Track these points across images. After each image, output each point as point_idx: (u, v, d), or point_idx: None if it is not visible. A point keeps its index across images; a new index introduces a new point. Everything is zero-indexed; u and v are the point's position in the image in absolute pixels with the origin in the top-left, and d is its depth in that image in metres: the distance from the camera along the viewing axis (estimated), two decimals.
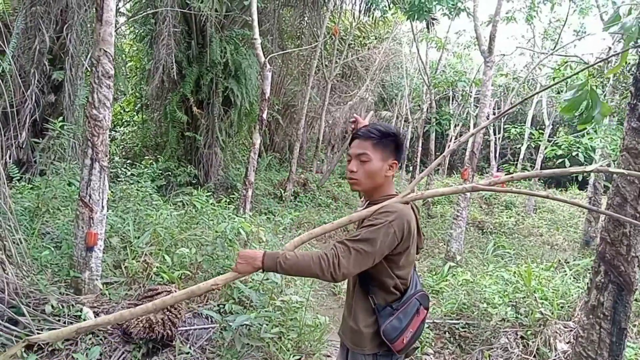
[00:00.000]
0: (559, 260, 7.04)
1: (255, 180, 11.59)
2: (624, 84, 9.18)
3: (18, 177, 6.15)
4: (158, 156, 10.47)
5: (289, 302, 3.85)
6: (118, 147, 11.55)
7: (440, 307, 5.00)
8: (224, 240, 4.47)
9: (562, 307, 4.65)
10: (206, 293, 3.47)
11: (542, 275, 5.05)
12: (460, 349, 4.37)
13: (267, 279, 3.60)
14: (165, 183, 9.69)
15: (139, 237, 4.81)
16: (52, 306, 3.52)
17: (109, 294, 3.93)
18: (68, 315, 3.59)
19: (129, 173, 8.72)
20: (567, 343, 4.19)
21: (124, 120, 12.89)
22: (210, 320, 4.03)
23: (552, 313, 4.38)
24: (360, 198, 2.45)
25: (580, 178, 9.64)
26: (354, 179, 2.17)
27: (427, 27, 12.93)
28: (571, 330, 4.34)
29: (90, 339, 3.59)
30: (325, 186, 14.04)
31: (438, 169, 19.54)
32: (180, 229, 5.35)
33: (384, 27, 18.98)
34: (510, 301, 4.64)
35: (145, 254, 4.37)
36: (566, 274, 5.58)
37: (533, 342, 4.19)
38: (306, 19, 13.66)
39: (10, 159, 6.89)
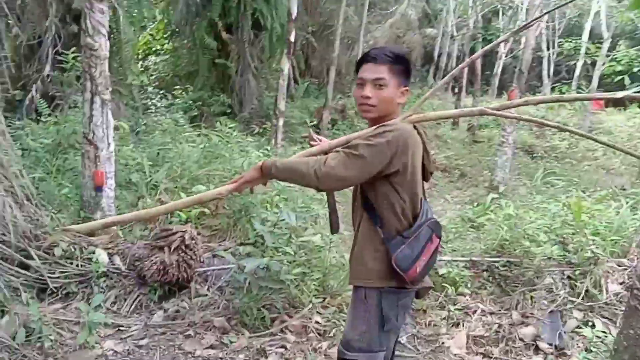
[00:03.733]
0: (615, 188, 6.45)
1: (290, 109, 11.19)
2: None
3: (48, 113, 6.00)
4: (189, 86, 10.18)
5: (310, 242, 3.60)
6: (150, 77, 11.30)
7: (480, 242, 4.63)
8: None
9: (615, 243, 4.20)
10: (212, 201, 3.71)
11: (594, 207, 4.57)
12: (500, 289, 4.03)
13: (283, 220, 3.32)
14: (197, 113, 9.45)
15: (157, 172, 4.60)
16: (63, 249, 3.38)
17: (124, 235, 3.78)
18: (80, 257, 3.46)
19: (159, 105, 8.50)
20: (620, 284, 3.79)
21: (154, 49, 12.55)
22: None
23: (605, 250, 3.96)
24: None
25: None
26: (369, 104, 1.99)
27: None
28: (625, 269, 3.93)
29: (104, 281, 3.48)
30: None
31: (487, 90, 18.29)
32: (201, 163, 5.10)
33: None
34: (558, 236, 4.22)
35: (161, 192, 4.16)
36: (622, 205, 5.03)
37: (582, 282, 3.81)
38: None
39: (37, 93, 6.76)
